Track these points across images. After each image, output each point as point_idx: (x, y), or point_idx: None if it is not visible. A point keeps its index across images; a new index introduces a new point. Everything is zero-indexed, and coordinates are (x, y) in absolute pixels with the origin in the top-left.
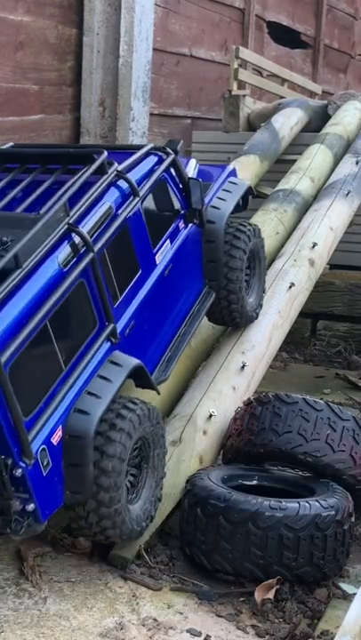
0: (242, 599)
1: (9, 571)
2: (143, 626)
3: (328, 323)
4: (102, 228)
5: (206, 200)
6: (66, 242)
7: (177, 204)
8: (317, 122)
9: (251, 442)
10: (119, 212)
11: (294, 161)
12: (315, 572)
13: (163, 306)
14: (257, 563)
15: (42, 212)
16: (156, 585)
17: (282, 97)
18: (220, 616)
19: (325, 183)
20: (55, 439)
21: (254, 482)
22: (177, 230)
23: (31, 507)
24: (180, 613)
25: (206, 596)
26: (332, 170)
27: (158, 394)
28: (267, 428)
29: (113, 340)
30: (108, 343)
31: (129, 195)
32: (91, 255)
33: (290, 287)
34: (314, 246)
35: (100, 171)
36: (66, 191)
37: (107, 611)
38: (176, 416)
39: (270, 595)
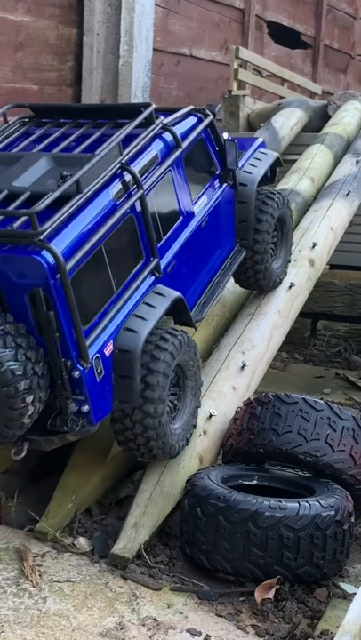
0: (242, 599)
1: (9, 571)
2: (143, 625)
3: (328, 323)
4: (149, 172)
5: (239, 165)
6: (118, 179)
7: (213, 164)
8: (317, 122)
9: (251, 442)
10: (164, 160)
11: (294, 161)
12: (315, 572)
13: (199, 254)
14: (257, 562)
15: (97, 152)
16: (156, 585)
17: (282, 97)
18: (220, 616)
19: (325, 183)
20: (107, 351)
21: (254, 482)
22: (213, 188)
23: (86, 408)
24: (180, 613)
25: (206, 595)
26: (332, 170)
27: (195, 330)
28: (267, 428)
29: (157, 274)
30: (153, 277)
31: (173, 147)
32: (140, 192)
33: (290, 287)
34: (314, 246)
35: (147, 123)
36: (119, 135)
37: (107, 610)
38: None
39: (270, 594)
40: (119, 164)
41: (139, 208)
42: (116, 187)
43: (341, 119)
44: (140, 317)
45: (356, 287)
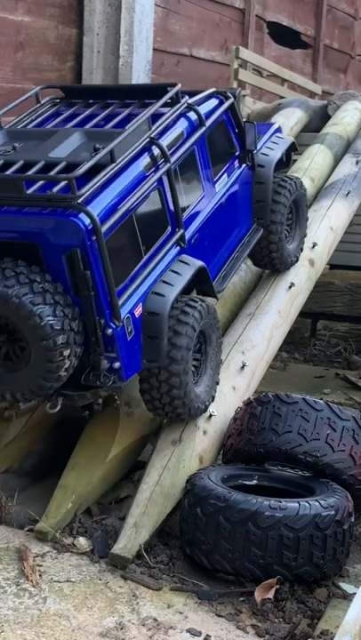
0: (242, 599)
1: (9, 571)
2: (143, 625)
3: (328, 323)
4: (175, 147)
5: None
6: (147, 152)
7: (233, 145)
8: (317, 122)
9: (251, 442)
10: (189, 137)
11: (294, 161)
12: (315, 572)
13: (220, 229)
14: (257, 562)
15: (127, 127)
16: (156, 585)
17: (282, 97)
18: (220, 616)
19: (325, 183)
20: (137, 313)
21: (254, 482)
22: (233, 168)
23: (117, 365)
24: (180, 613)
25: (206, 595)
26: (332, 170)
27: (217, 300)
28: (267, 428)
29: (182, 245)
30: (178, 247)
31: (196, 125)
32: (167, 165)
33: (290, 287)
34: (314, 246)
35: (173, 102)
36: (148, 111)
37: (107, 610)
38: None
39: (270, 594)
40: (148, 139)
41: (166, 181)
42: (146, 159)
43: (341, 119)
44: (167, 283)
45: (356, 287)
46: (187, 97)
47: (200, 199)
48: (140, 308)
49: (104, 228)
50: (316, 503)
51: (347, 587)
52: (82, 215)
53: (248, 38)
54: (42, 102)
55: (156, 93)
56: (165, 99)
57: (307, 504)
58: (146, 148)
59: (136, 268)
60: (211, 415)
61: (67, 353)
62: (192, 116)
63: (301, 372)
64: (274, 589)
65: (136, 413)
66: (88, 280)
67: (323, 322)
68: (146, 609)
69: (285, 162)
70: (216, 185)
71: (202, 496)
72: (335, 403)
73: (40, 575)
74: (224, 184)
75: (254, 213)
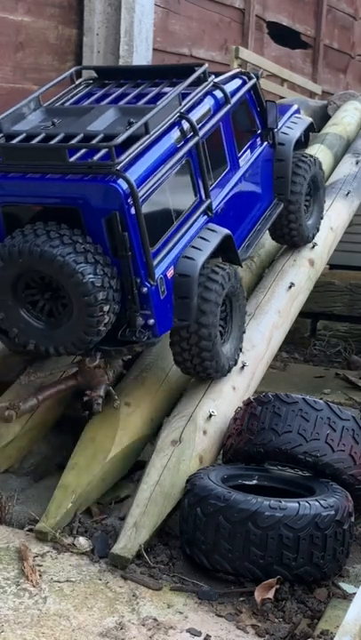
0: (242, 599)
1: (9, 571)
2: (143, 625)
3: (328, 323)
4: (203, 123)
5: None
6: (177, 126)
7: (256, 123)
8: (317, 122)
9: (251, 442)
10: (215, 113)
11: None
12: (315, 572)
13: (244, 201)
14: (257, 562)
15: (159, 102)
16: (156, 585)
17: (282, 97)
18: (220, 616)
19: (325, 183)
20: (169, 274)
21: (254, 482)
22: (255, 145)
23: (151, 322)
24: (180, 613)
25: (206, 595)
26: (332, 170)
27: (241, 267)
28: (267, 428)
29: (209, 214)
30: (205, 216)
31: (222, 103)
32: (196, 138)
33: (290, 287)
34: (314, 246)
35: (200, 81)
36: (178, 88)
37: (107, 610)
38: (176, 416)
39: (270, 594)
40: (178, 114)
41: (194, 153)
42: (176, 133)
43: (341, 119)
44: (196, 248)
45: (356, 287)
46: (213, 76)
47: (226, 172)
48: (172, 271)
49: (140, 194)
50: (316, 503)
51: (347, 587)
52: (120, 181)
53: (248, 38)
54: (76, 83)
55: (184, 73)
56: (194, 77)
57: (307, 504)
58: (176, 123)
59: (168, 233)
60: (211, 415)
61: (106, 309)
62: (218, 94)
63: (301, 372)
64: (274, 589)
65: (136, 413)
66: (126, 241)
67: (323, 322)
68: (146, 609)
69: (304, 142)
70: (240, 160)
71: (202, 496)
72: (335, 403)
73: (40, 575)
74: (247, 160)
75: (275, 189)
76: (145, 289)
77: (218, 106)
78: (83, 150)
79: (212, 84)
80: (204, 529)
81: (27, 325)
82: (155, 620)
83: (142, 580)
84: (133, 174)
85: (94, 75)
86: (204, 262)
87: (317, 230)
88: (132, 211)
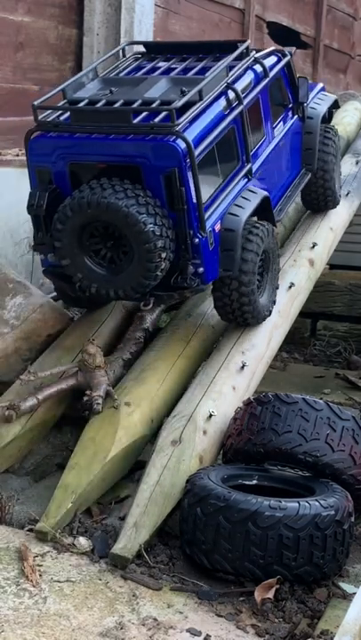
0: (242, 599)
1: (9, 571)
2: (143, 625)
3: (328, 323)
4: (246, 93)
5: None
6: (224, 95)
7: (288, 97)
8: None
9: (251, 442)
10: (256, 85)
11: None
12: (315, 572)
13: (278, 168)
14: (257, 562)
15: (208, 74)
16: (156, 584)
17: None
18: (220, 615)
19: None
20: (217, 228)
21: (254, 482)
22: (287, 118)
23: (201, 270)
24: (180, 613)
25: (206, 595)
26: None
27: (275, 227)
28: (267, 428)
29: (249, 177)
30: (246, 179)
31: (261, 77)
32: (241, 107)
33: (290, 287)
34: (314, 246)
35: (242, 56)
36: (225, 61)
37: (107, 610)
38: (176, 416)
39: (270, 594)
40: (226, 84)
41: (239, 121)
42: (224, 101)
43: (341, 119)
44: (240, 206)
45: (356, 287)
46: (254, 52)
47: (263, 140)
48: (219, 225)
49: (197, 151)
50: (316, 503)
51: (347, 587)
52: (179, 140)
53: (248, 38)
54: (126, 57)
55: (227, 48)
56: (239, 51)
57: (307, 504)
58: (224, 92)
59: (216, 191)
60: (211, 415)
61: (163, 255)
62: (258, 68)
63: (301, 372)
64: (274, 589)
65: (136, 413)
66: (183, 195)
67: (323, 322)
68: (146, 609)
69: (328, 118)
70: (275, 130)
71: (202, 496)
72: (335, 403)
73: (40, 575)
74: (280, 130)
75: (303, 160)
76: (197, 240)
77: (258, 79)
78: (144, 113)
79: (253, 58)
80: (204, 529)
81: (90, 271)
82: (155, 619)
83: (142, 579)
84: (190, 135)
85: (143, 49)
86: (247, 219)
87: (340, 195)
88: (189, 168)
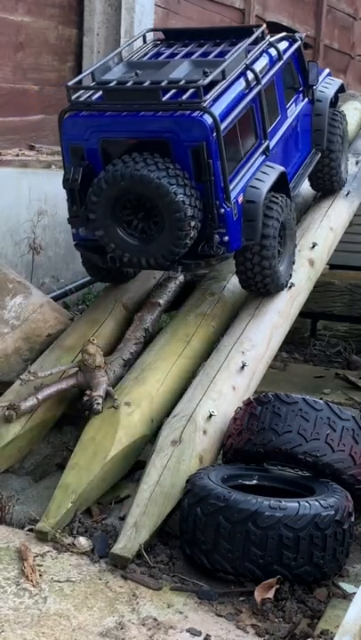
0: (242, 599)
1: (9, 570)
2: (143, 625)
3: (328, 323)
4: (262, 75)
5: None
6: (243, 76)
7: (298, 80)
8: None
9: (251, 442)
10: (271, 68)
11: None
12: (314, 572)
13: (291, 147)
14: (257, 562)
15: (227, 56)
16: (156, 584)
17: None
18: (220, 615)
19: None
20: (240, 200)
21: (254, 482)
22: (298, 100)
23: (226, 238)
24: (180, 613)
25: (206, 595)
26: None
27: (291, 200)
28: (267, 428)
29: (267, 154)
30: (264, 155)
31: (276, 60)
32: (259, 87)
33: (290, 287)
34: (314, 246)
35: (258, 40)
36: (243, 45)
37: (107, 610)
38: (176, 416)
39: (270, 594)
40: (245, 65)
41: (257, 100)
42: (243, 81)
43: None
44: (260, 180)
45: (356, 287)
46: (269, 36)
47: (278, 120)
48: (242, 197)
49: (223, 125)
50: (316, 503)
51: (347, 587)
52: (206, 116)
53: None
54: (146, 43)
55: (242, 34)
56: (256, 35)
57: (307, 504)
58: (243, 73)
59: (239, 165)
60: (211, 415)
61: (193, 224)
62: (272, 51)
63: (301, 372)
64: (274, 589)
65: (136, 413)
66: (210, 168)
67: (323, 322)
68: (146, 609)
69: (334, 102)
70: (288, 111)
71: (202, 496)
72: (335, 403)
73: (40, 575)
74: (293, 111)
75: (313, 140)
76: (223, 210)
77: (272, 62)
78: (172, 91)
79: (268, 42)
80: (204, 529)
81: (122, 241)
82: (155, 619)
83: (142, 579)
84: (216, 111)
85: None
86: (267, 192)
87: (346, 178)
88: (215, 142)
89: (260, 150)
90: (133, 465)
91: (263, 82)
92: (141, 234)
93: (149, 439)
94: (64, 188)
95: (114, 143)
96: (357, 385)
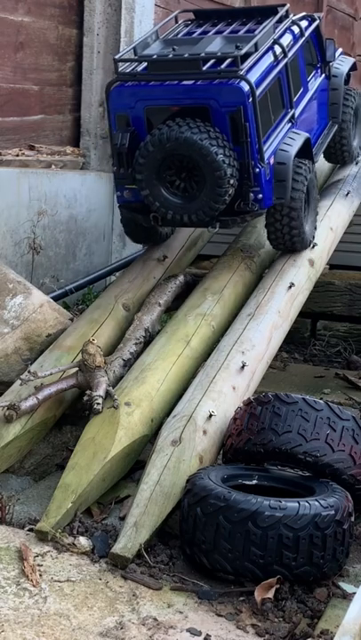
0: (242, 598)
1: (9, 570)
2: (143, 625)
3: (328, 323)
4: (288, 49)
5: None
6: (272, 49)
7: (316, 57)
8: None
9: (251, 441)
10: (295, 44)
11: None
12: (314, 572)
13: (313, 117)
14: (257, 562)
15: (257, 31)
16: (156, 584)
17: None
18: (220, 615)
19: (325, 183)
20: (271, 162)
21: (254, 481)
22: (316, 75)
23: (260, 196)
24: (180, 613)
25: (206, 595)
26: (333, 170)
27: (314, 163)
28: (266, 428)
29: (293, 121)
30: (290, 123)
31: (298, 36)
32: (286, 60)
33: (290, 287)
34: (314, 246)
35: (282, 18)
36: (270, 21)
37: (107, 610)
38: (176, 416)
39: (270, 594)
40: (273, 40)
41: (284, 72)
42: (272, 54)
43: None
44: (288, 144)
45: (356, 287)
46: (292, 15)
47: (301, 92)
48: (273, 160)
49: (258, 90)
50: (316, 503)
51: (347, 586)
52: (243, 83)
53: None
54: (178, 24)
55: (267, 13)
56: (281, 13)
57: (307, 504)
58: (271, 47)
59: (270, 130)
60: (211, 415)
61: (231, 182)
62: (295, 29)
63: (301, 371)
64: (274, 589)
65: (136, 413)
66: (247, 130)
67: (323, 322)
68: (146, 608)
69: (347, 79)
70: (309, 84)
71: (202, 496)
72: (335, 403)
73: (40, 575)
74: (313, 85)
75: (330, 113)
76: (257, 170)
77: (295, 38)
78: (211, 61)
79: (291, 20)
80: (204, 529)
81: (166, 200)
82: (155, 619)
83: (142, 579)
84: (251, 78)
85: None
86: (295, 155)
87: (358, 152)
88: (251, 106)
89: (287, 118)
90: (133, 465)
91: (289, 55)
92: (184, 193)
93: (149, 439)
94: (113, 151)
95: (157, 111)
96: (357, 385)
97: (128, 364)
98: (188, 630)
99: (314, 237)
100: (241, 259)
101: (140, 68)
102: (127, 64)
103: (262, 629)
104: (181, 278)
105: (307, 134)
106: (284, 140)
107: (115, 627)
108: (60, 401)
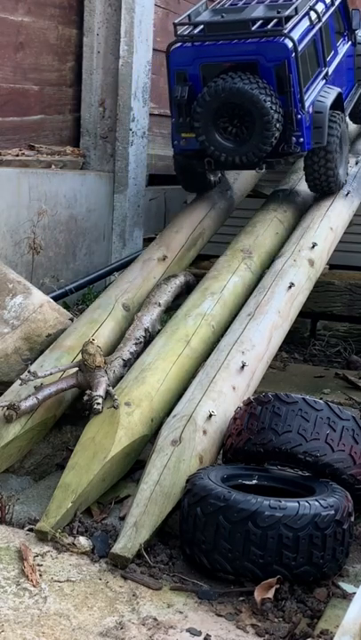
0: (242, 598)
1: (9, 570)
2: (143, 625)
3: (328, 323)
4: (321, 15)
5: None
6: (307, 15)
7: (343, 25)
8: None
9: (250, 441)
10: (326, 11)
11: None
12: (314, 572)
13: (341, 78)
14: (257, 562)
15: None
16: (155, 584)
17: None
18: (220, 615)
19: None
20: (310, 110)
21: (254, 481)
22: (344, 41)
23: (301, 140)
24: (180, 613)
25: (206, 595)
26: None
27: (345, 115)
28: (266, 428)
29: (326, 78)
30: (324, 80)
31: (329, 5)
32: (320, 24)
33: (290, 287)
34: (314, 246)
35: None
36: None
37: (107, 610)
38: (176, 416)
39: (270, 594)
40: (309, 6)
41: (318, 35)
42: (308, 19)
43: None
44: (324, 97)
45: (356, 287)
46: None
47: (332, 54)
48: (311, 109)
49: (300, 47)
50: (316, 503)
51: (347, 586)
52: (287, 40)
53: None
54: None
55: None
56: None
57: (306, 504)
58: (307, 12)
59: (308, 83)
60: (211, 415)
61: (278, 126)
62: None
63: (301, 372)
64: (274, 589)
65: (136, 413)
66: (290, 81)
67: (322, 322)
68: (146, 608)
69: None
70: (338, 48)
71: (202, 496)
72: (335, 403)
73: (40, 575)
74: (341, 49)
75: (356, 76)
76: (299, 116)
77: (327, 6)
78: (257, 24)
79: None
80: (204, 529)
81: (220, 144)
82: (155, 619)
83: (142, 579)
84: (294, 36)
85: None
86: (330, 105)
87: None
88: (294, 60)
89: (322, 75)
90: (133, 465)
91: (323, 20)
92: (235, 137)
93: (149, 439)
94: (173, 103)
95: (211, 67)
96: (357, 385)
97: (128, 364)
98: (187, 630)
99: (346, 182)
100: (241, 259)
101: (197, 30)
102: (184, 27)
103: (262, 629)
104: (181, 278)
105: (339, 89)
106: (320, 94)
107: (115, 627)
108: (59, 401)
